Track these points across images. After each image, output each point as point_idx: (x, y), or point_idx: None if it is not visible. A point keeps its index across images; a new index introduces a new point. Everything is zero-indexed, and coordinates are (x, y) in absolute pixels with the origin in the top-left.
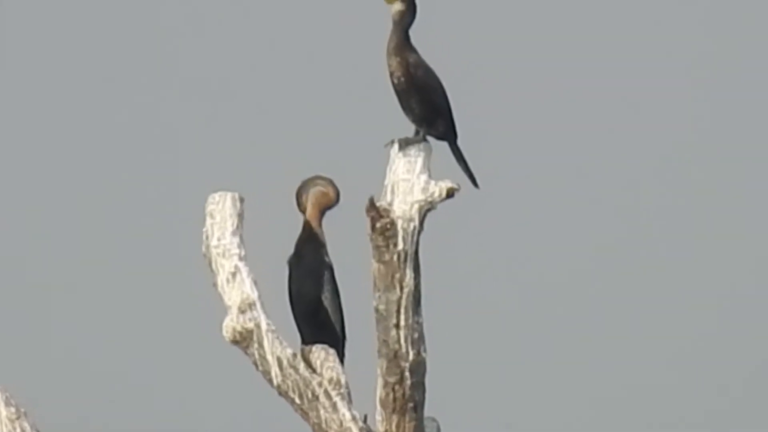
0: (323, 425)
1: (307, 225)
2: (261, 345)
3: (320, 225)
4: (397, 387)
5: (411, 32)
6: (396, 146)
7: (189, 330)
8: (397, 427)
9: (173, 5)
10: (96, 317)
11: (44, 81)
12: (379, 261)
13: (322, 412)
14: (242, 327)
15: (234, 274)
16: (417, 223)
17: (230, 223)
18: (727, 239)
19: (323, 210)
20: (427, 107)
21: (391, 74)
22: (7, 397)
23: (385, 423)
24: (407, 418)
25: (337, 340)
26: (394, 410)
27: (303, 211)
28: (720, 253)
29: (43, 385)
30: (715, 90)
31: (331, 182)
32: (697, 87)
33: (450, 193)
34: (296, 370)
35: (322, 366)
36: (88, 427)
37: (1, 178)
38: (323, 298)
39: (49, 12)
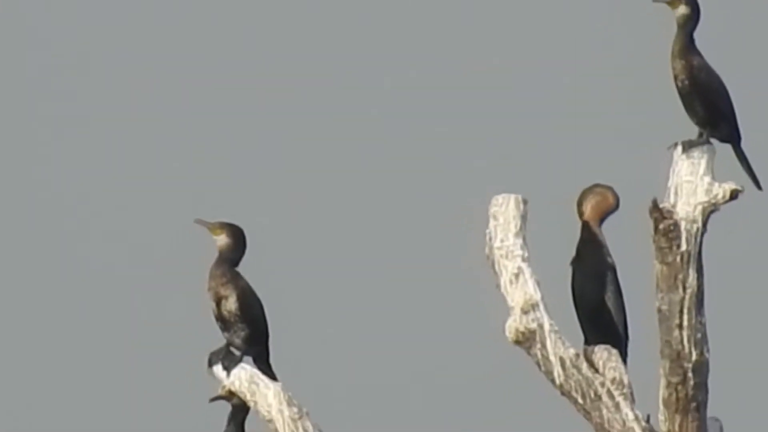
0: (606, 425)
1: (586, 227)
2: (544, 345)
3: (599, 226)
4: (680, 387)
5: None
6: (680, 148)
7: (473, 332)
8: (680, 427)
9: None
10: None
11: None
12: (663, 262)
13: (604, 411)
14: (525, 327)
15: (517, 275)
16: (700, 224)
17: (513, 225)
18: None
19: (603, 215)
20: (711, 110)
21: (675, 77)
22: (289, 397)
23: (668, 423)
24: (690, 418)
25: (619, 341)
26: (677, 410)
27: (584, 219)
28: None
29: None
30: None
31: (611, 189)
32: None
33: (733, 195)
34: (579, 370)
35: (604, 366)
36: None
37: None
38: (606, 298)
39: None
